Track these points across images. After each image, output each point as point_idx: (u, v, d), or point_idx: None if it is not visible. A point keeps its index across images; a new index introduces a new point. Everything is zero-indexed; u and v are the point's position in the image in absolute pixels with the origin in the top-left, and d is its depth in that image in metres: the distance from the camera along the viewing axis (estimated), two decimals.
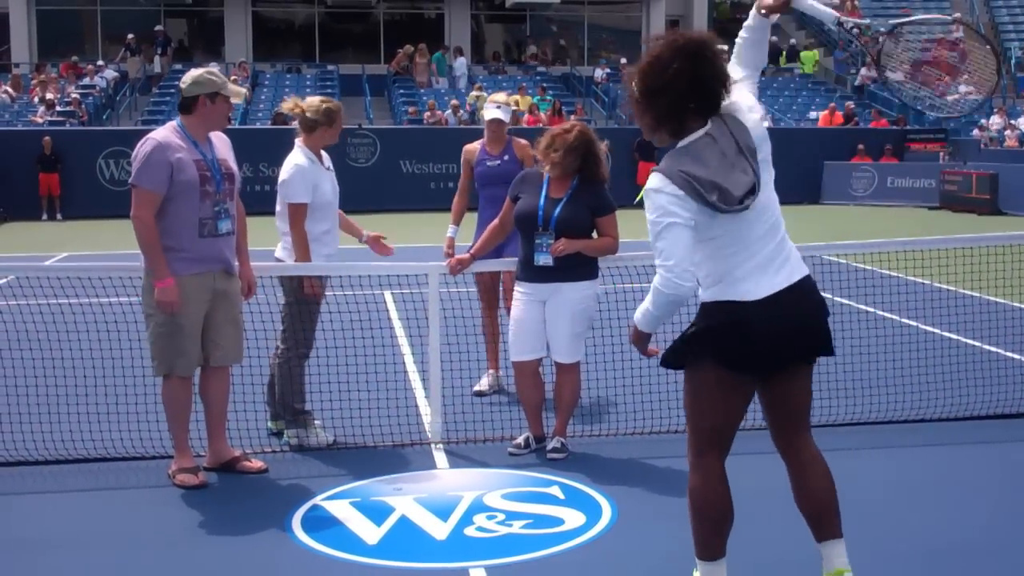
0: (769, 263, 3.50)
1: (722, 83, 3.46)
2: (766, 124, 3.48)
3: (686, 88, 3.40)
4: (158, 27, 31.39)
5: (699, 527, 3.62)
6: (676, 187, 3.35)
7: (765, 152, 3.50)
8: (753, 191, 3.38)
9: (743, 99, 3.55)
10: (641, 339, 3.62)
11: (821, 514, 3.66)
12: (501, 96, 7.03)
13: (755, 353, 3.49)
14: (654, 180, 3.40)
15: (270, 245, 5.98)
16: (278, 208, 5.88)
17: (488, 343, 7.03)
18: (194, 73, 5.26)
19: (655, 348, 3.72)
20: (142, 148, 5.09)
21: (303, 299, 5.81)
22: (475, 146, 6.99)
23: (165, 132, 5.18)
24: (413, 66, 29.81)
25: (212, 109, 5.22)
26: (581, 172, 5.57)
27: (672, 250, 3.35)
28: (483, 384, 6.97)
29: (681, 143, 3.47)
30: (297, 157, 5.83)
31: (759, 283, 3.47)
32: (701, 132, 3.45)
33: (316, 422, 5.96)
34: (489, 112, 6.84)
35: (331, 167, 6.00)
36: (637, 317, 3.56)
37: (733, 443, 3.65)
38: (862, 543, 4.16)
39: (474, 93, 26.92)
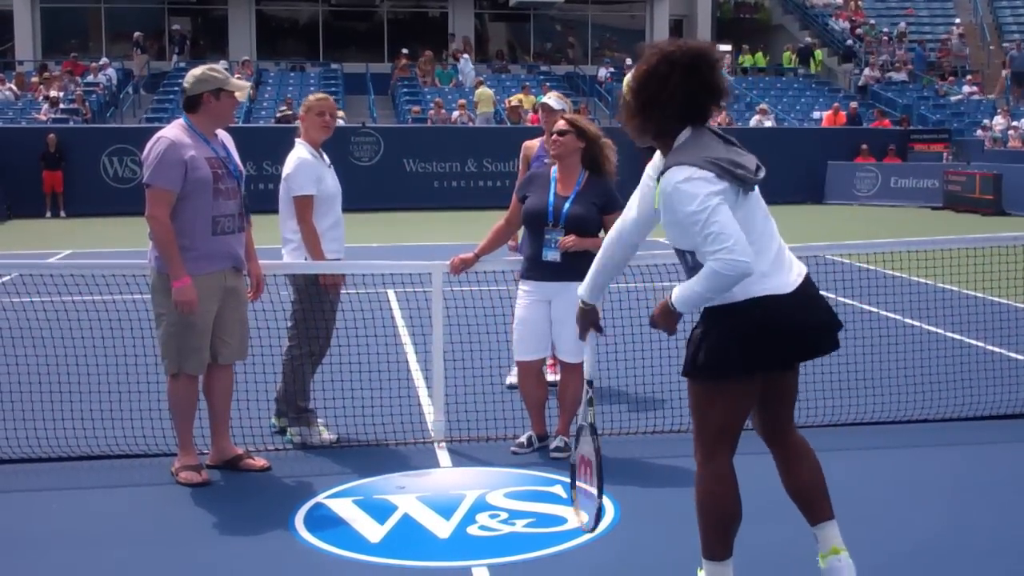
0: (782, 258, 3.51)
1: (715, 98, 3.47)
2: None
3: (677, 100, 3.41)
4: (176, 26, 31.55)
5: (707, 528, 3.60)
6: (705, 171, 3.31)
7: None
8: (759, 167, 3.43)
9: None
10: (672, 321, 3.48)
11: (812, 496, 3.69)
12: (555, 94, 6.91)
13: (788, 349, 3.50)
14: (680, 173, 3.31)
15: (275, 243, 5.98)
16: (282, 209, 5.87)
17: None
18: (196, 71, 5.24)
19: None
20: (155, 147, 5.05)
21: (322, 292, 5.79)
22: (535, 143, 6.94)
23: (176, 130, 5.15)
24: (417, 67, 29.82)
25: (217, 106, 5.21)
26: (588, 168, 5.60)
27: (728, 228, 3.26)
28: (514, 377, 6.89)
29: (678, 141, 3.46)
30: (299, 151, 5.84)
31: (783, 278, 3.46)
32: (689, 130, 3.46)
33: (319, 421, 5.97)
34: (547, 100, 6.70)
35: (331, 164, 6.00)
36: (678, 298, 3.40)
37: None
38: (865, 543, 4.15)
39: (481, 90, 26.88)
